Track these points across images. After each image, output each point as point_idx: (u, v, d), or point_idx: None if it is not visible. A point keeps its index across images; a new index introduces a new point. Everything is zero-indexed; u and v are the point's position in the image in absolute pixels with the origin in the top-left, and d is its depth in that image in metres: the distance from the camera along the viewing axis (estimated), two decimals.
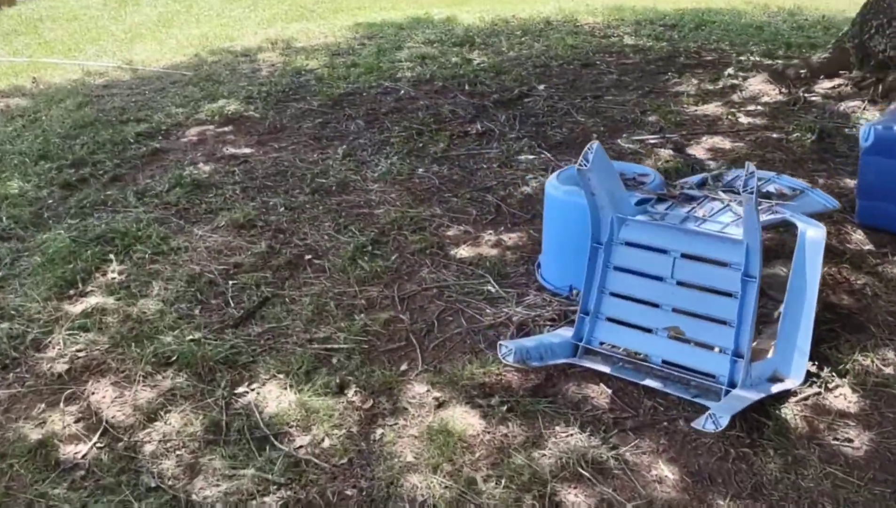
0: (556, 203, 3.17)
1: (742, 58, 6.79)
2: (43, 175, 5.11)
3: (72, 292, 3.57)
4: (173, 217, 4.34)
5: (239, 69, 7.87)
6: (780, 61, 6.58)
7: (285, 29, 9.87)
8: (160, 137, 5.83)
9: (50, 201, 4.71)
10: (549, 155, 4.90)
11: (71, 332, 3.20)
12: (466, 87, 6.52)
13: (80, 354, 3.08)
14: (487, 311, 3.20)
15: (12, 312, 3.40)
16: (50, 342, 3.16)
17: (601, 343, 2.75)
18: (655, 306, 2.66)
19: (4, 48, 9.61)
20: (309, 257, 3.81)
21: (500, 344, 2.62)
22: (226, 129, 5.94)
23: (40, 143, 5.72)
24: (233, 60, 8.26)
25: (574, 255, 3.11)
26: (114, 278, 3.68)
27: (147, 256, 3.86)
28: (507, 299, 3.28)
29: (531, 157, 4.89)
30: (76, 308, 3.42)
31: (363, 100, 6.40)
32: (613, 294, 2.74)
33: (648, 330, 2.65)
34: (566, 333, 2.82)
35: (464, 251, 3.77)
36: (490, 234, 3.92)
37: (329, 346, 3.05)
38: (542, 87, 6.41)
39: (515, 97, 6.15)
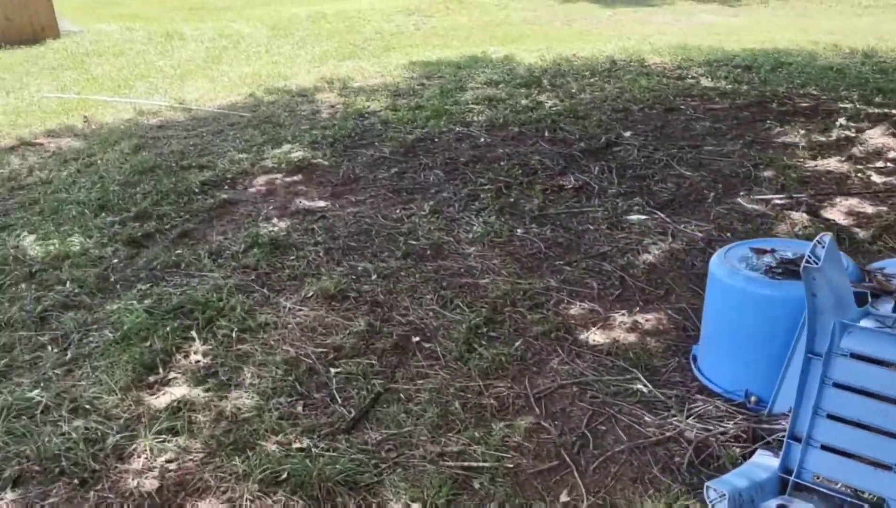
0: (732, 292, 2.65)
1: (846, 106, 6.27)
2: (105, 229, 4.66)
3: (152, 378, 3.08)
4: (255, 284, 3.85)
5: (298, 111, 7.45)
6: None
7: (338, 67, 9.47)
8: (226, 187, 5.38)
9: (115, 261, 4.25)
10: (661, 215, 4.38)
11: (158, 435, 2.70)
12: (546, 133, 6.04)
13: (171, 466, 2.58)
14: (647, 420, 2.68)
15: (87, 405, 2.91)
16: (134, 449, 2.66)
17: (816, 477, 2.21)
18: (892, 435, 2.12)
19: (52, 83, 9.27)
20: (416, 338, 3.31)
21: (708, 486, 2.09)
22: (295, 178, 5.48)
23: (98, 191, 5.29)
24: (290, 101, 7.85)
25: (751, 353, 2.58)
26: (198, 362, 3.19)
27: (233, 333, 3.37)
28: (667, 405, 2.75)
29: (642, 217, 4.38)
30: (160, 401, 2.92)
31: (437, 147, 5.93)
32: (832, 417, 2.21)
33: (885, 466, 2.11)
34: (768, 461, 2.28)
35: (596, 336, 3.25)
36: (622, 314, 3.40)
37: (466, 464, 2.53)
38: (628, 133, 5.91)
39: (603, 145, 5.66)
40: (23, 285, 3.97)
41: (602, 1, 14.11)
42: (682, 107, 6.60)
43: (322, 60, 10.01)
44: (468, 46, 10.51)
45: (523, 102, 7.14)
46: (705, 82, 7.60)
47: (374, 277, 3.85)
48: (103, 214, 4.93)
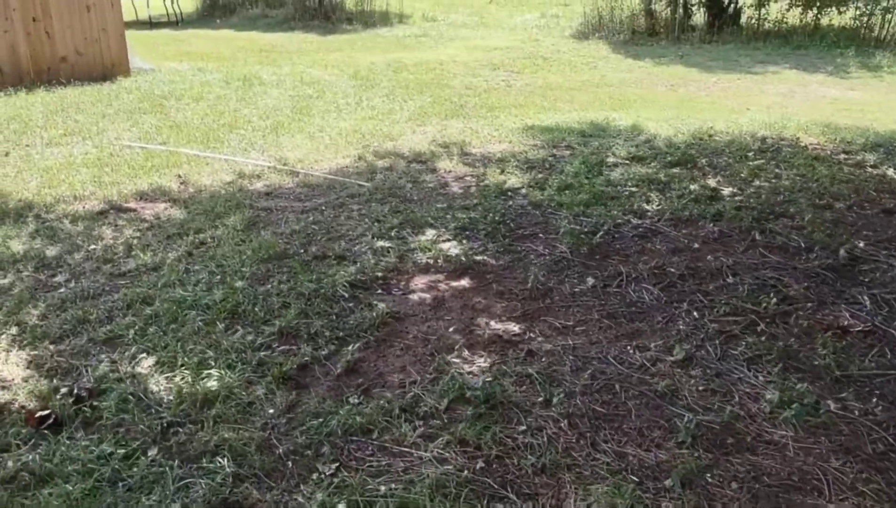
0: None
1: None
2: (245, 353, 3.46)
3: None
4: (489, 478, 2.61)
5: (422, 182, 6.27)
6: None
7: (445, 128, 8.32)
8: (380, 290, 4.18)
9: (272, 412, 3.03)
10: None
11: None
12: (756, 235, 4.81)
13: None
14: None
15: None
16: None
17: None
18: None
19: (132, 129, 8.17)
20: None
21: None
22: (463, 282, 4.27)
23: (223, 289, 4.10)
24: (408, 168, 6.68)
25: None
26: None
27: None
28: None
29: None
30: None
31: (626, 247, 4.71)
32: None
33: None
34: None
35: None
36: None
37: None
38: (861, 244, 4.67)
39: (846, 261, 4.42)
40: (154, 454, 2.75)
41: (699, 66, 12.98)
42: None
43: (423, 118, 8.88)
44: (578, 110, 9.35)
45: (692, 186, 5.94)
46: (892, 173, 6.36)
47: (667, 481, 2.59)
48: (236, 326, 3.73)
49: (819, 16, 15.05)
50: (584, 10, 17.06)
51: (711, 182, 6.08)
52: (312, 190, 6.14)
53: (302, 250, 4.76)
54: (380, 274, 4.36)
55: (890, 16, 14.33)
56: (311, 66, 13.08)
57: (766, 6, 15.52)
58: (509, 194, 5.91)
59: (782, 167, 6.48)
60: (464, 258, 4.52)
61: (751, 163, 6.64)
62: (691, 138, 7.60)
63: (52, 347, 3.57)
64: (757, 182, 6.11)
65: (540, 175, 6.40)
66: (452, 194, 5.99)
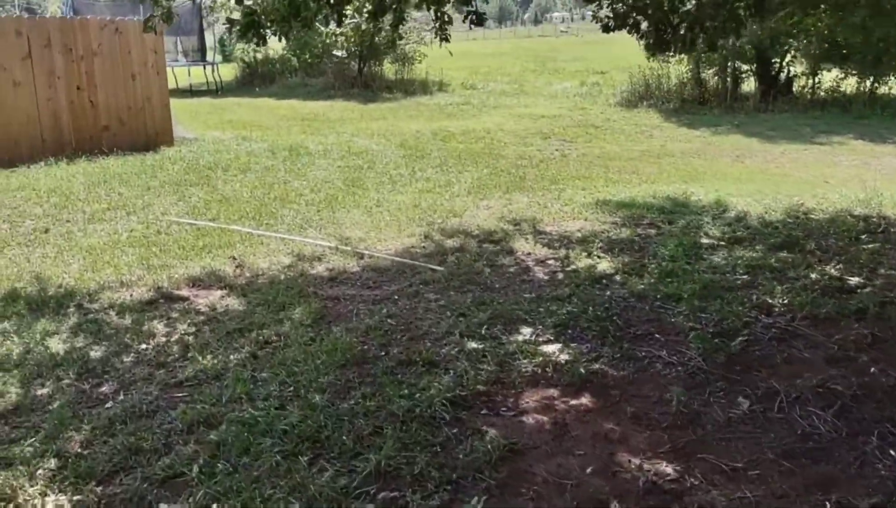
0: None
1: None
2: (339, 503, 2.70)
3: None
4: None
5: (500, 266, 5.58)
6: None
7: (510, 203, 7.68)
8: (484, 410, 3.44)
9: None
10: None
11: None
12: None
13: None
14: None
15: None
16: None
17: None
18: None
19: (178, 203, 7.60)
20: None
21: None
22: (585, 401, 3.52)
23: (299, 409, 3.38)
24: (481, 250, 6.00)
25: None
26: None
27: None
28: None
29: None
30: None
31: (768, 356, 3.96)
32: None
33: None
34: None
35: None
36: None
37: None
38: None
39: None
40: None
41: (759, 135, 12.35)
42: None
43: (483, 191, 8.24)
44: (648, 183, 8.69)
45: (812, 275, 5.19)
46: None
47: None
48: (321, 461, 2.99)
49: (877, 85, 14.43)
50: (630, 78, 16.60)
51: (831, 270, 5.32)
52: (381, 275, 5.46)
53: (383, 353, 4.05)
54: (481, 387, 3.63)
55: None
56: (356, 134, 12.61)
57: (820, 74, 14.95)
58: (604, 281, 5.19)
59: None
60: (580, 369, 3.77)
61: (865, 246, 5.89)
62: (786, 217, 6.87)
63: (98, 489, 2.84)
64: (882, 270, 5.35)
65: (631, 258, 5.69)
66: (538, 280, 5.28)
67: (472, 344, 4.13)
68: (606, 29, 5.12)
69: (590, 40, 48.47)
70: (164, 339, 4.28)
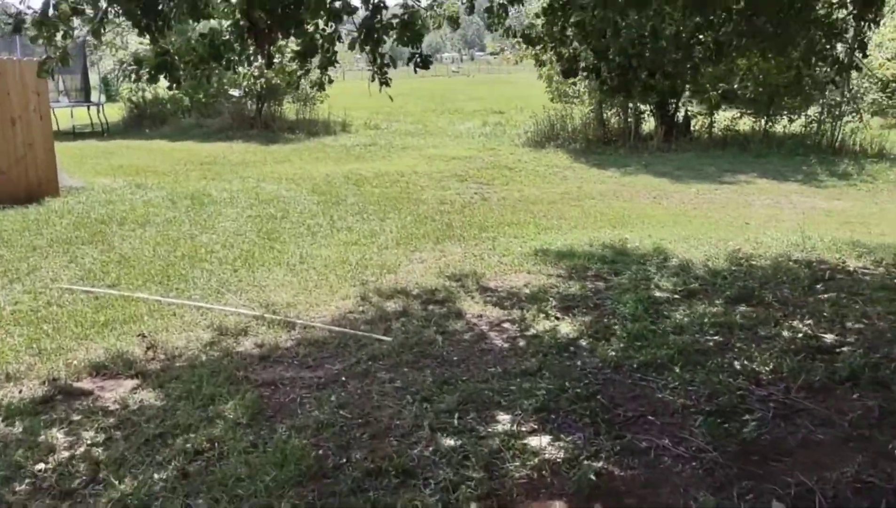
0: None
1: None
2: None
3: None
4: None
5: (453, 333, 4.98)
6: None
7: (444, 254, 7.10)
8: None
9: None
10: None
11: None
12: None
13: None
14: None
15: None
16: None
17: None
18: None
19: (70, 265, 6.59)
20: None
21: None
22: None
23: None
24: (427, 313, 5.37)
25: None
26: None
27: None
28: None
29: None
30: None
31: (779, 440, 3.50)
32: None
33: None
34: None
35: None
36: None
37: None
38: None
39: None
40: None
41: (668, 175, 12.32)
42: None
43: (412, 241, 7.63)
44: (579, 229, 8.31)
45: (784, 333, 4.85)
46: None
47: None
48: None
49: (770, 124, 14.84)
50: (534, 118, 16.46)
51: (800, 325, 5.00)
52: (320, 349, 4.73)
53: (343, 461, 3.34)
54: (474, 505, 2.97)
55: (840, 123, 14.20)
56: (262, 179, 11.74)
57: (716, 113, 15.26)
58: (571, 349, 4.66)
59: (861, 302, 5.48)
60: (588, 474, 3.17)
61: (821, 296, 5.64)
62: (729, 264, 6.59)
63: None
64: (850, 323, 5.06)
65: (591, 318, 5.20)
66: (499, 349, 4.69)
67: (448, 441, 3.48)
68: (567, 74, 4.65)
69: (481, 80, 49.19)
70: (66, 454, 3.41)
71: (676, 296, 5.69)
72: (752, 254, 6.97)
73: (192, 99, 19.09)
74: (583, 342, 4.77)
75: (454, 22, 5.72)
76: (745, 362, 4.38)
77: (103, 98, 20.86)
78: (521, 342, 4.81)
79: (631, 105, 15.27)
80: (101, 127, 18.74)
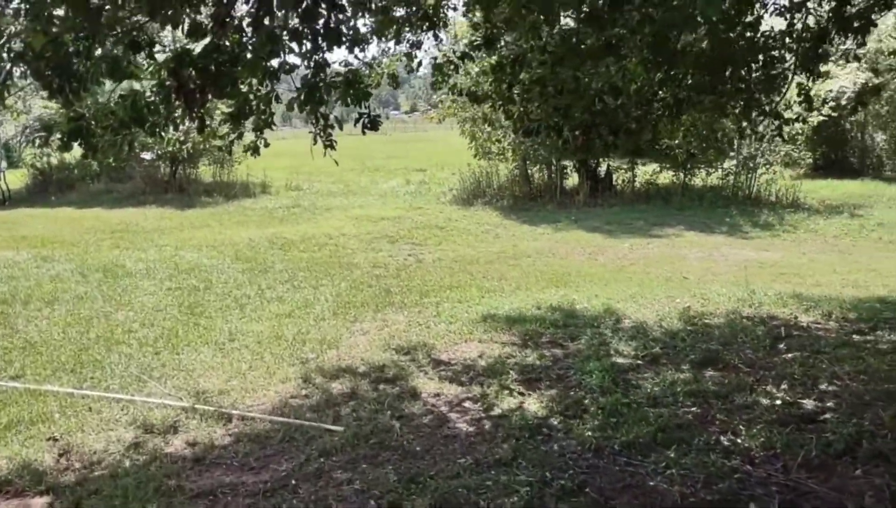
0: None
1: None
2: None
3: None
4: None
5: (410, 416, 4.51)
6: None
7: (387, 324, 6.62)
8: None
9: None
10: None
11: None
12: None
13: None
14: None
15: None
16: None
17: None
18: None
19: None
20: None
21: None
22: None
23: None
24: (378, 393, 4.88)
25: None
26: None
27: None
28: None
29: None
30: None
31: None
32: None
33: None
34: None
35: None
36: None
37: None
38: None
39: None
40: None
41: (599, 230, 12.25)
42: None
43: (350, 310, 7.12)
44: (523, 290, 7.99)
45: (762, 400, 4.58)
46: None
47: None
48: None
49: (689, 178, 15.09)
50: (460, 176, 16.29)
51: (774, 390, 4.74)
52: (262, 446, 4.15)
53: None
54: None
55: (755, 175, 14.56)
56: (180, 247, 11.00)
57: (637, 168, 15.44)
58: (543, 430, 4.25)
59: (826, 360, 5.29)
60: None
61: (786, 356, 5.43)
62: (684, 324, 6.35)
63: None
64: (823, 385, 4.84)
65: (558, 391, 4.82)
66: (465, 435, 4.22)
67: None
68: (527, 133, 4.33)
69: (398, 139, 49.24)
70: None
71: (640, 362, 5.37)
72: (703, 312, 6.76)
73: (101, 164, 18.08)
74: (554, 422, 4.35)
75: (394, 80, 5.37)
76: (732, 436, 4.05)
77: (4, 165, 19.56)
78: (488, 425, 4.36)
79: (554, 161, 15.29)
80: (2, 195, 17.51)
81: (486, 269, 9.21)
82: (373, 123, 4.28)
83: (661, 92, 4.35)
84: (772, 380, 4.94)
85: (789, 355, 5.45)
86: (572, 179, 16.10)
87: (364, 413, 4.53)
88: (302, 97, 4.31)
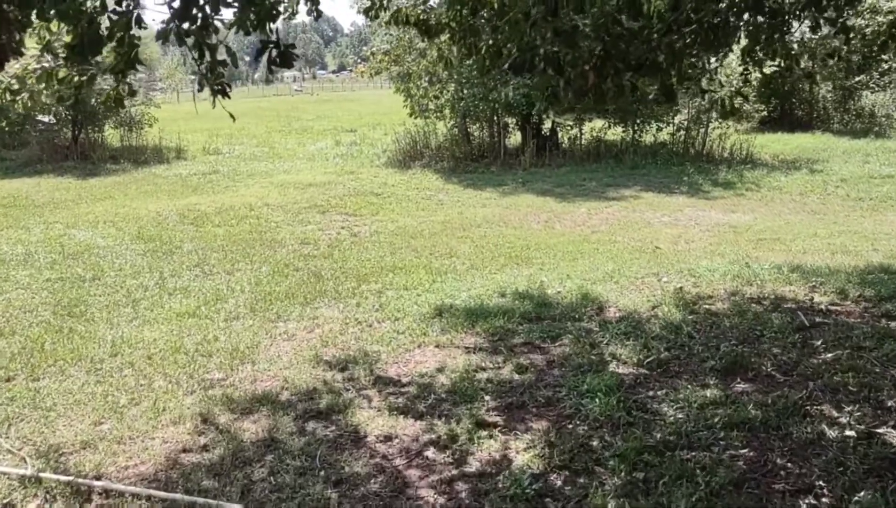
0: None
1: None
2: None
3: None
4: None
5: (352, 479, 3.13)
6: None
7: (317, 323, 5.19)
8: None
9: None
10: None
11: None
12: None
13: None
14: None
15: None
16: None
17: None
18: None
19: None
20: None
21: None
22: None
23: None
24: (307, 439, 3.49)
25: None
26: None
27: None
28: None
29: None
30: None
31: None
32: None
33: None
34: None
35: None
36: None
37: None
38: None
39: None
40: None
41: (550, 193, 10.93)
42: None
43: (271, 304, 5.62)
44: (479, 270, 6.61)
45: (829, 432, 3.33)
46: None
47: None
48: None
49: (640, 133, 13.92)
50: (394, 136, 14.71)
51: (834, 412, 3.51)
52: None
53: None
54: None
55: (707, 130, 13.49)
56: (73, 224, 9.18)
57: (583, 125, 14.17)
58: (545, 500, 2.88)
59: (874, 361, 4.10)
60: None
61: (825, 357, 4.21)
62: (680, 312, 5.10)
63: None
64: (890, 402, 3.63)
65: (549, 425, 3.49)
66: (419, 494, 2.83)
67: None
68: (518, 70, 2.88)
69: (325, 98, 46.93)
70: None
71: (646, 371, 4.09)
72: (700, 294, 5.54)
73: None
74: (557, 481, 3.02)
75: (315, 4, 3.82)
76: (814, 501, 2.77)
77: None
78: (464, 492, 2.98)
79: (496, 118, 13.87)
80: None
81: (432, 243, 7.78)
82: (283, 58, 2.76)
83: (693, 14, 2.98)
84: (822, 393, 3.72)
85: (829, 355, 4.24)
86: (514, 138, 14.74)
87: (287, 478, 3.10)
88: (176, 20, 2.76)
